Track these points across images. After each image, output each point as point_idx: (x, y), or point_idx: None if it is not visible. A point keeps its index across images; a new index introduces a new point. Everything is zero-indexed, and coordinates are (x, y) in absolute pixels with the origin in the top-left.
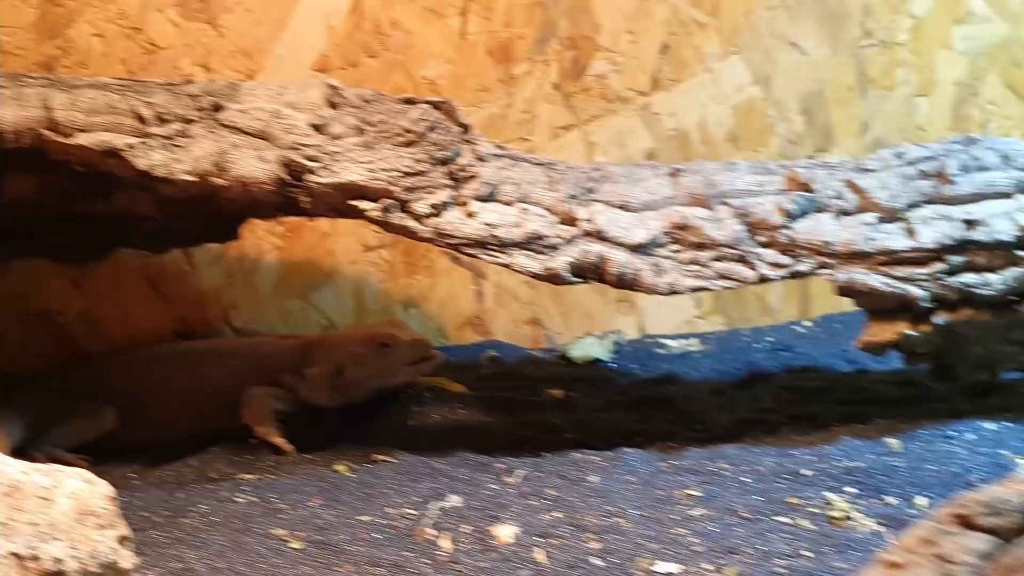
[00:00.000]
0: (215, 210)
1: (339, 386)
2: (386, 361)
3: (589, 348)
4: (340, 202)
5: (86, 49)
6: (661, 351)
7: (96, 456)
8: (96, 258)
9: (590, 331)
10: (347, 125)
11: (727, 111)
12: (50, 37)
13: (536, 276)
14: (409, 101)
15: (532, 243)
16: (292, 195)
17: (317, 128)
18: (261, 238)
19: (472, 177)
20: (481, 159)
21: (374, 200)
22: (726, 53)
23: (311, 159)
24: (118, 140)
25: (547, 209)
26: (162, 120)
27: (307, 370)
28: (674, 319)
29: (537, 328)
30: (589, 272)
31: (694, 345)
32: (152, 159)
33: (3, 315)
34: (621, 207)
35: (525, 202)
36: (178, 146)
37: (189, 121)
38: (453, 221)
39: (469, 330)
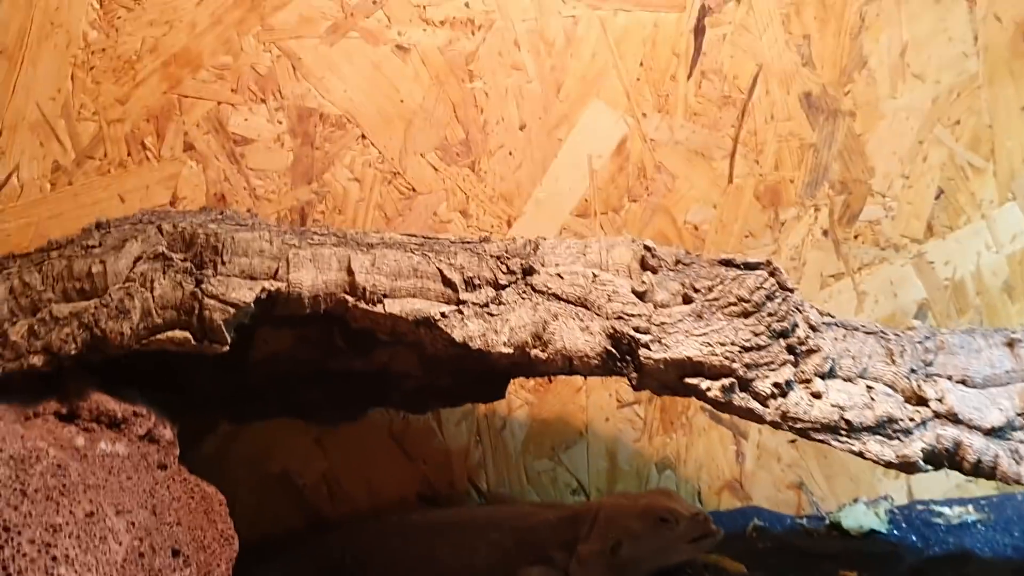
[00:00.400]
0: (482, 367)
1: (615, 565)
2: (665, 538)
3: (862, 517)
4: (673, 379)
5: (342, 194)
6: (937, 520)
7: None
8: (350, 418)
9: (856, 496)
10: (671, 292)
11: (1002, 260)
12: (306, 182)
13: (889, 465)
14: (727, 263)
15: (884, 427)
16: (618, 370)
17: (640, 295)
18: (511, 392)
19: (812, 351)
20: (814, 328)
21: (713, 378)
22: (1002, 199)
23: (640, 331)
24: (431, 309)
25: (890, 386)
26: (472, 285)
27: (580, 547)
28: (944, 483)
29: (800, 493)
30: (943, 459)
31: (971, 513)
32: (468, 330)
33: (241, 477)
34: (962, 382)
35: (866, 378)
36: (493, 315)
37: (500, 286)
38: (800, 403)
39: (727, 494)
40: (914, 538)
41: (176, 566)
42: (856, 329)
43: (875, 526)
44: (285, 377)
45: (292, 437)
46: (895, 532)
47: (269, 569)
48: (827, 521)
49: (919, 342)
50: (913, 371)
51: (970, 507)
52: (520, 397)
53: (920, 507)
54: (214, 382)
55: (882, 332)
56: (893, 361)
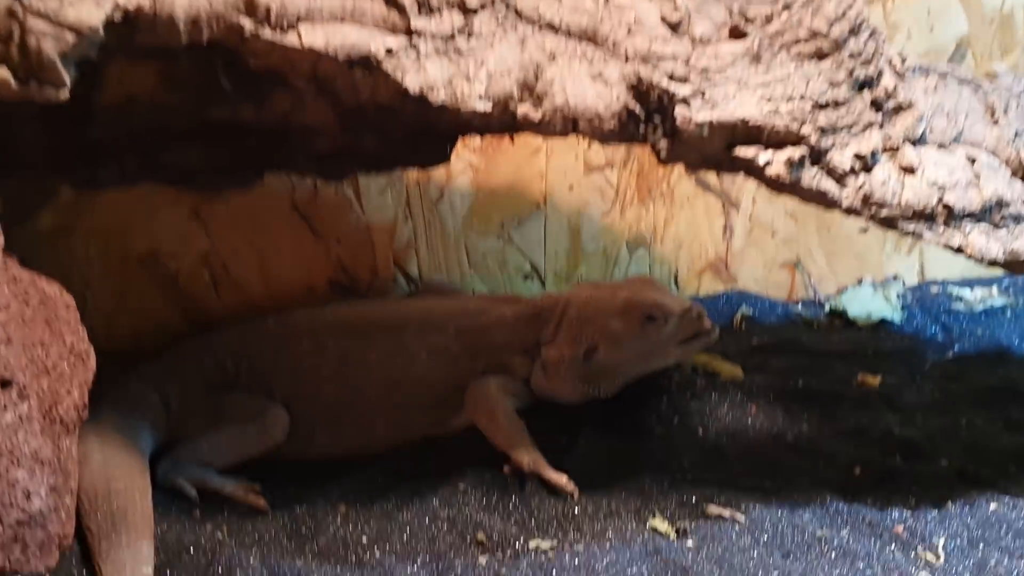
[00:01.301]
0: (420, 122)
1: (588, 373)
2: (650, 339)
3: (869, 302)
4: (718, 150)
5: None
6: (958, 306)
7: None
8: (239, 184)
9: (860, 277)
10: (715, 22)
11: None
12: None
13: (993, 263)
14: None
15: (991, 213)
16: (641, 136)
17: (673, 27)
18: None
19: (902, 108)
20: (900, 75)
21: (775, 146)
22: None
23: (676, 79)
24: (372, 41)
25: (993, 155)
26: (428, 8)
27: (546, 351)
28: (961, 260)
29: (793, 274)
30: None
31: (994, 296)
32: (428, 75)
33: (93, 262)
34: None
35: (964, 144)
36: (461, 53)
37: (469, 9)
38: (887, 181)
39: (709, 275)
40: (934, 330)
41: (6, 401)
42: (945, 75)
43: (885, 314)
44: (147, 130)
45: (161, 208)
46: (909, 321)
47: (136, 386)
48: (827, 308)
49: (1020, 93)
50: (1018, 134)
51: (993, 289)
52: (462, 159)
53: (935, 289)
54: (47, 134)
55: (975, 80)
56: (995, 120)
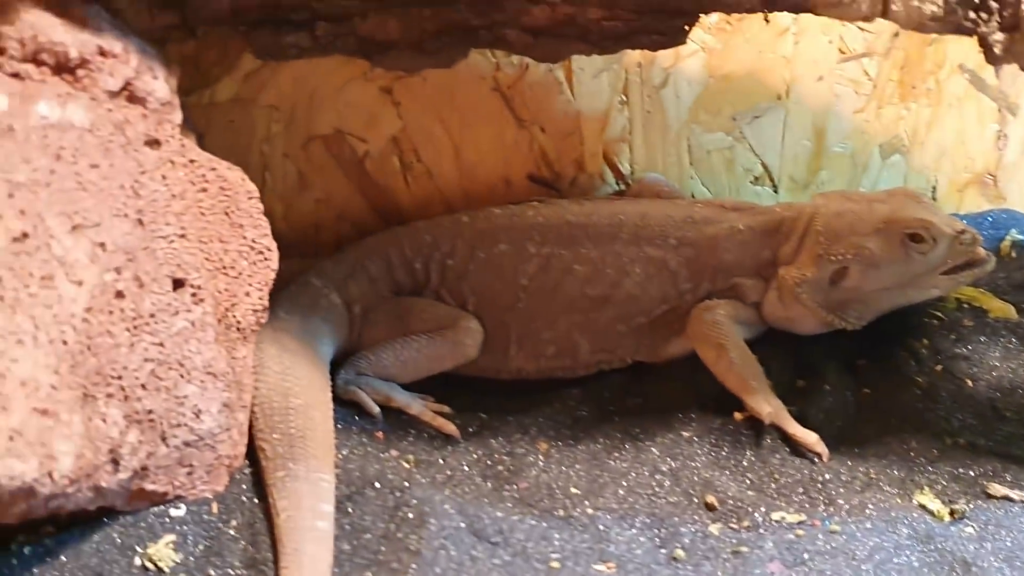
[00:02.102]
0: None
1: (835, 301)
2: (913, 264)
3: None
4: None
5: None
6: None
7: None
8: (438, 63)
9: None
10: None
11: None
12: None
13: None
14: None
15: None
16: (970, 28)
17: None
18: None
19: None
20: None
21: None
22: None
23: None
24: None
25: None
26: None
27: (783, 272)
28: None
29: None
30: None
31: None
32: None
33: (273, 136)
34: None
35: None
36: None
37: None
38: None
39: (973, 191)
40: None
41: (179, 305)
42: None
43: None
44: None
45: (350, 83)
46: None
47: (316, 285)
48: None
49: None
50: None
51: None
52: (695, 39)
53: None
54: None
55: None
56: None
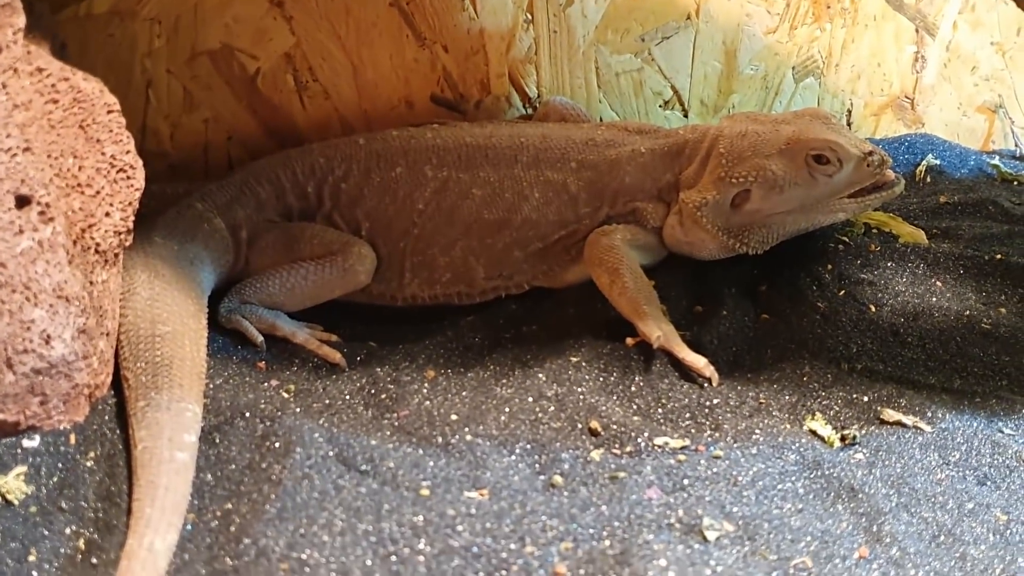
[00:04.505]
0: None
1: (736, 225)
2: (818, 186)
3: None
4: None
5: None
6: None
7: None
8: None
9: None
10: None
11: None
12: None
13: None
14: None
15: None
16: None
17: None
18: None
19: None
20: None
21: None
22: None
23: None
24: None
25: None
26: None
27: (684, 195)
28: None
29: (992, 119)
30: None
31: None
32: None
33: (155, 52)
34: None
35: None
36: None
37: None
38: None
39: (890, 115)
40: None
41: (23, 224)
42: None
43: None
44: None
45: None
46: None
47: (199, 208)
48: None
49: None
50: None
51: None
52: None
53: None
54: None
55: None
56: None
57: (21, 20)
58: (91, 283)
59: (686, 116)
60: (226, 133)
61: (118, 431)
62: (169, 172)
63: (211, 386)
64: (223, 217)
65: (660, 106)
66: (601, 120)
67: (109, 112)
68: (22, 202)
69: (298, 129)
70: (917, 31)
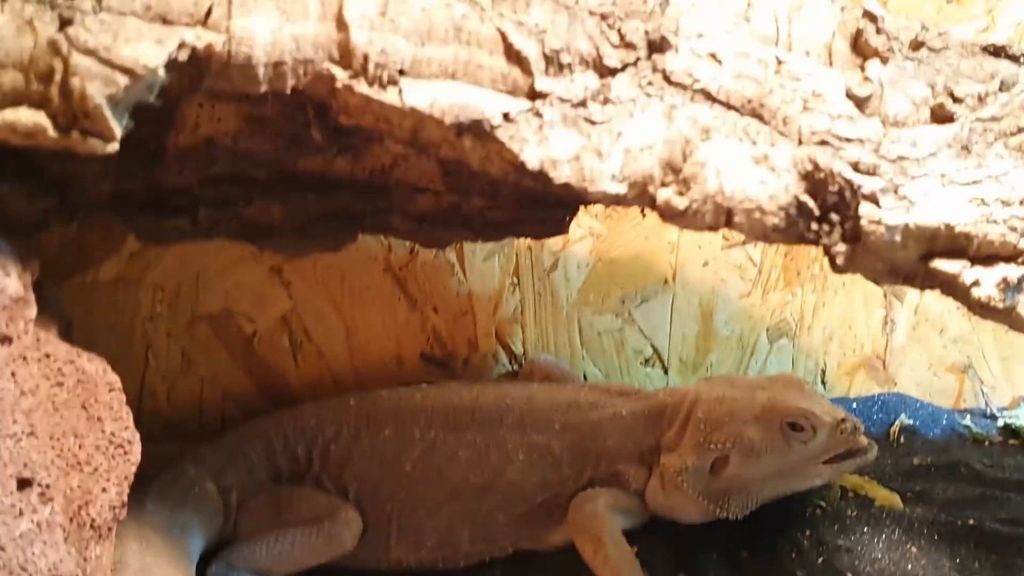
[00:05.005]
0: (538, 192)
1: (716, 490)
2: (794, 453)
3: None
4: (912, 261)
5: None
6: None
7: None
8: (327, 247)
9: None
10: (913, 100)
11: None
12: None
13: None
14: (999, 52)
15: None
16: (813, 237)
17: (860, 103)
18: None
19: None
20: None
21: (984, 263)
22: None
23: (863, 170)
24: (486, 103)
25: None
26: (559, 65)
27: (665, 459)
28: None
29: (963, 379)
30: None
31: None
32: (551, 148)
33: (157, 316)
34: None
35: None
36: (595, 122)
37: (609, 70)
38: None
39: (863, 375)
40: None
41: (24, 506)
42: None
43: None
44: (225, 179)
45: (238, 263)
46: None
47: (192, 472)
48: (1000, 422)
49: None
50: None
51: None
52: (582, 225)
53: None
54: (115, 174)
55: None
56: None
57: (33, 312)
58: (85, 559)
59: (666, 373)
60: (221, 392)
61: None
62: (164, 430)
63: None
64: (215, 480)
65: (641, 363)
66: (585, 377)
67: (111, 391)
68: (23, 484)
69: (291, 388)
70: (886, 296)
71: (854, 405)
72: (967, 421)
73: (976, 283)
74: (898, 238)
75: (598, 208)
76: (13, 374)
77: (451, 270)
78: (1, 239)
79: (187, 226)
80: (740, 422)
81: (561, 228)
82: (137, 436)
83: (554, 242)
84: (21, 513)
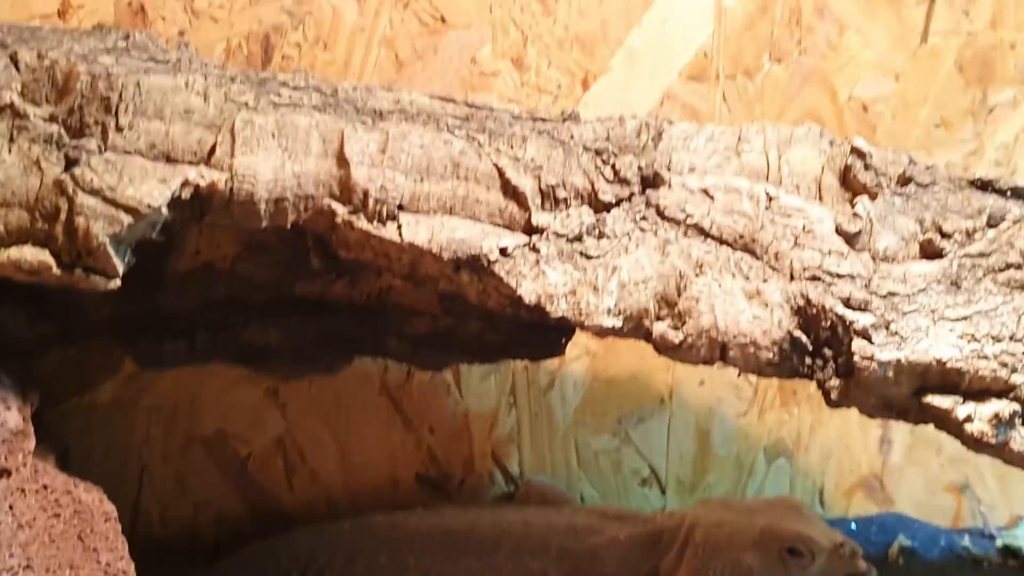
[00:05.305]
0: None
1: None
2: None
3: None
4: (904, 396)
5: (330, 18)
6: None
7: None
8: (323, 370)
9: None
10: (902, 236)
11: None
12: None
13: None
14: (986, 186)
15: None
16: (806, 371)
17: (850, 239)
18: None
19: None
20: None
21: (976, 398)
22: None
23: (855, 306)
24: (484, 239)
25: None
26: (555, 201)
27: None
28: None
29: (960, 499)
30: None
31: None
32: (548, 281)
33: (152, 438)
34: None
35: None
36: (591, 256)
37: (604, 205)
38: None
39: (861, 495)
40: None
41: None
42: None
43: None
44: (224, 303)
45: (233, 386)
46: None
47: None
48: (998, 542)
49: None
50: None
51: None
52: (578, 345)
53: None
54: (114, 299)
55: None
56: None
57: (31, 444)
58: None
59: (664, 494)
60: (215, 515)
61: None
62: (157, 553)
63: None
64: None
65: (639, 484)
66: (582, 498)
67: (107, 521)
68: None
69: (285, 510)
70: None
71: (853, 526)
72: (966, 542)
73: (969, 418)
74: (891, 374)
75: None
76: (11, 507)
77: (447, 390)
78: (1, 372)
79: (185, 350)
80: (738, 548)
81: (557, 350)
82: (132, 566)
83: (550, 361)
84: None
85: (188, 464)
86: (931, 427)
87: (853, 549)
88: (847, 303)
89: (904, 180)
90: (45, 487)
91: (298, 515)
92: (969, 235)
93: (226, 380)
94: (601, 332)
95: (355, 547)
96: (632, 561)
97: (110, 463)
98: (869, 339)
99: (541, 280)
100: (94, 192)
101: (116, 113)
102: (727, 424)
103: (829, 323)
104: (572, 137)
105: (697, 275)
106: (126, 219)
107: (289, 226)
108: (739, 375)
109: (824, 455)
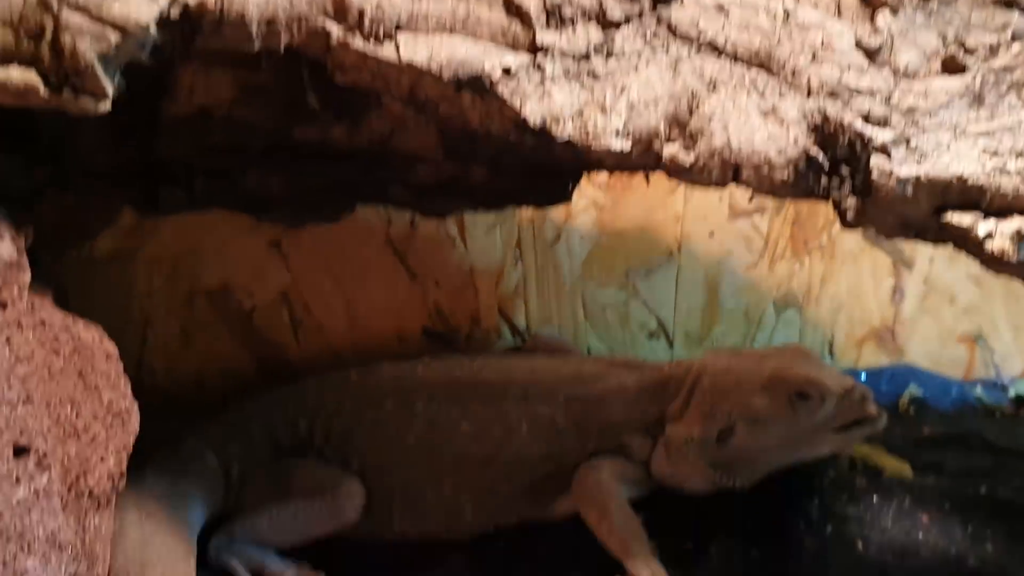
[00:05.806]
0: (541, 159)
1: (722, 460)
2: (801, 422)
3: None
4: (924, 214)
5: None
6: None
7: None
8: (326, 218)
9: None
10: (924, 50)
11: None
12: None
13: None
14: (1010, 3)
15: None
16: (822, 191)
17: (870, 54)
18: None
19: None
20: None
21: (998, 215)
22: None
23: (874, 121)
24: (486, 58)
25: None
26: (560, 18)
27: (670, 429)
28: None
29: (973, 349)
30: None
31: None
32: (553, 102)
33: (155, 294)
34: None
35: None
36: (598, 76)
37: (611, 23)
38: None
39: (872, 345)
40: None
41: (21, 473)
42: None
43: None
44: (222, 149)
45: (236, 237)
46: None
47: (192, 446)
48: (1011, 392)
49: None
50: None
51: None
52: (585, 196)
53: None
54: (112, 145)
55: None
56: None
57: (26, 277)
58: (83, 528)
59: (671, 347)
60: (221, 368)
61: None
62: (164, 407)
63: None
64: (217, 454)
65: (646, 337)
66: (589, 351)
67: (108, 359)
68: (20, 452)
69: (291, 363)
70: (895, 265)
71: (863, 377)
72: (978, 392)
73: (989, 236)
74: (909, 191)
75: (601, 178)
76: (8, 340)
77: (452, 243)
78: None
79: (183, 196)
80: (746, 391)
81: (564, 196)
82: (135, 405)
83: (557, 214)
84: (18, 480)
85: (192, 317)
86: (945, 277)
87: (863, 393)
88: (866, 118)
89: None
90: (43, 322)
91: (303, 368)
92: (993, 50)
93: (227, 231)
94: (609, 156)
95: (362, 395)
96: (639, 406)
97: (112, 317)
98: (888, 155)
99: (546, 101)
100: (79, 8)
101: None
102: (736, 276)
103: (847, 139)
104: None
105: (710, 93)
106: (114, 37)
107: (282, 49)
108: (752, 217)
109: (835, 306)
